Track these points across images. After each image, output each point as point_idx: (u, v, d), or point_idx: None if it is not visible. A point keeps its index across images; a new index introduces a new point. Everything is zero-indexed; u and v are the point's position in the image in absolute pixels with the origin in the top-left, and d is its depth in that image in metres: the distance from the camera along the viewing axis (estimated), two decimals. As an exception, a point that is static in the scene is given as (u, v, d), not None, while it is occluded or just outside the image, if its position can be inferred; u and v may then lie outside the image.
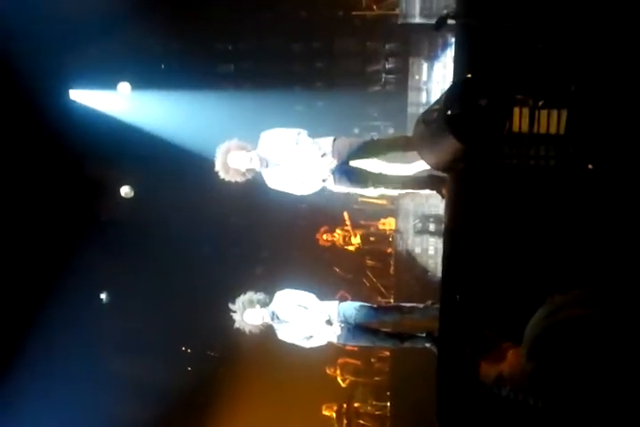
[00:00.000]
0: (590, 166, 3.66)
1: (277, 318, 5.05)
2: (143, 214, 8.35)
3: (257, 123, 5.26)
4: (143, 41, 8.12)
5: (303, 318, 5.06)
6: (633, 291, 1.64)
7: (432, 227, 6.85)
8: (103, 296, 8.58)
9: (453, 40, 5.41)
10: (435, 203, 6.43)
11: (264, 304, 5.07)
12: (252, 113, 7.26)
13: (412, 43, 7.10)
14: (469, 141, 3.47)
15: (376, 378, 8.09)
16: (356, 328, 5.10)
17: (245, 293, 5.12)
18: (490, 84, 3.50)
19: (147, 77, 8.08)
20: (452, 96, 3.51)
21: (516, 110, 3.71)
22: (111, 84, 8.08)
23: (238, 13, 8.34)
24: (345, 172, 4.89)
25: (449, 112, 3.43)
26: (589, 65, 3.61)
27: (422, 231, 6.93)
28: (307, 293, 5.22)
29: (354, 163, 4.96)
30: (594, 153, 3.65)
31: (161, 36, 8.17)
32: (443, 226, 5.30)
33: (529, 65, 3.69)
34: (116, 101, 8.09)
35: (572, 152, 3.70)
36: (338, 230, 8.43)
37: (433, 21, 6.05)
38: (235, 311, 5.02)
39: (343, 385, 8.19)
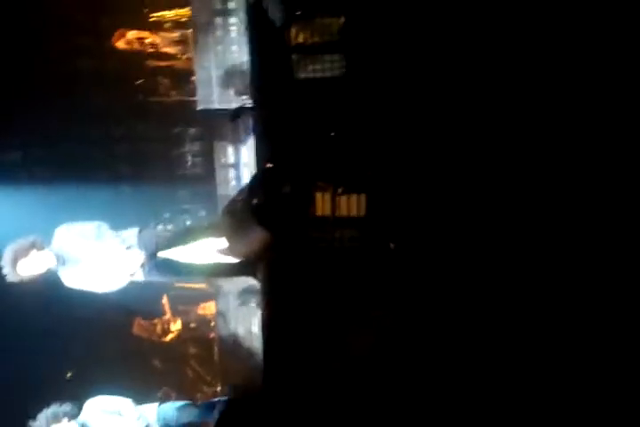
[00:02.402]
0: (392, 245, 3.81)
1: (89, 431, 4.60)
2: None
3: (52, 217, 4.89)
4: None
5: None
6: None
7: (253, 303, 6.75)
8: None
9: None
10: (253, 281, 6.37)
11: (72, 416, 4.61)
12: (45, 206, 6.77)
13: (215, 127, 7.15)
14: (276, 229, 3.49)
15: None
16: (178, 431, 4.80)
17: (49, 405, 4.63)
18: (290, 172, 3.59)
19: None
20: (254, 186, 3.55)
21: (319, 196, 3.82)
22: None
23: (33, 100, 7.92)
24: (155, 264, 4.68)
25: (254, 201, 3.45)
26: (383, 151, 3.83)
27: (244, 310, 6.81)
28: (120, 398, 4.83)
29: (163, 253, 4.77)
30: (394, 233, 3.82)
31: None
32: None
33: (327, 153, 3.84)
34: None
35: (374, 233, 3.85)
36: (155, 320, 8.04)
37: (231, 107, 6.17)
38: (37, 430, 4.50)
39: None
